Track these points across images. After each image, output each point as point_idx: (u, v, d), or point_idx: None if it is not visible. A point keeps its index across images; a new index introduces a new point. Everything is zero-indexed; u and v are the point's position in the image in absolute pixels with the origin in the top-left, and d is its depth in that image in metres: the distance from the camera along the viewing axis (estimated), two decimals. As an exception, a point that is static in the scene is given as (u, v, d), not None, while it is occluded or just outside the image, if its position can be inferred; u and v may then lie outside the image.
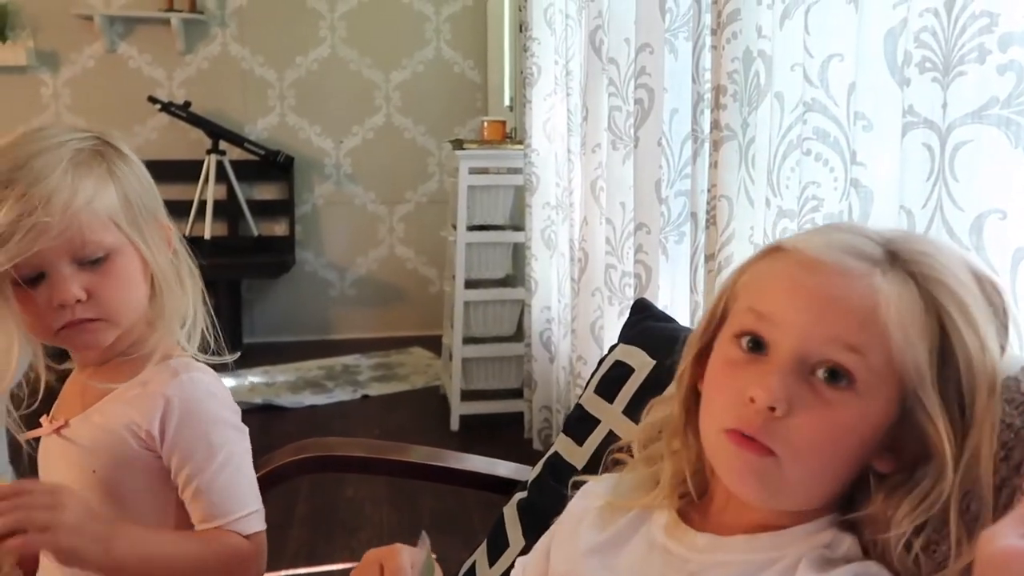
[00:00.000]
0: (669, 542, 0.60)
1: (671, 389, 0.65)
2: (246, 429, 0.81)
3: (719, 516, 0.60)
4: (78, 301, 0.72)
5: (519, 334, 2.92)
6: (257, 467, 0.92)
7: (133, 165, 0.78)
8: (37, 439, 0.81)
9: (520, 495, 0.95)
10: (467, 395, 2.87)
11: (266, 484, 0.95)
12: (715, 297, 0.63)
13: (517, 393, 2.92)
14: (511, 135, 2.97)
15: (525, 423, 2.67)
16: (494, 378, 2.91)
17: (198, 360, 0.81)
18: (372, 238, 4.18)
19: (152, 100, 3.71)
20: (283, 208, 3.98)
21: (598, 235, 1.83)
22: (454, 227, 2.90)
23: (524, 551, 0.85)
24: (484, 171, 2.77)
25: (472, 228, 2.78)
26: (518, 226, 2.86)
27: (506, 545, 0.90)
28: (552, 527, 0.68)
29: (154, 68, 3.88)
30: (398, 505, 2.28)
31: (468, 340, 2.83)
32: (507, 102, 3.56)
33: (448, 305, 3.18)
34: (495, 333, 2.88)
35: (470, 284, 2.80)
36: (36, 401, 0.80)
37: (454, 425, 2.84)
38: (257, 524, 0.78)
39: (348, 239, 4.15)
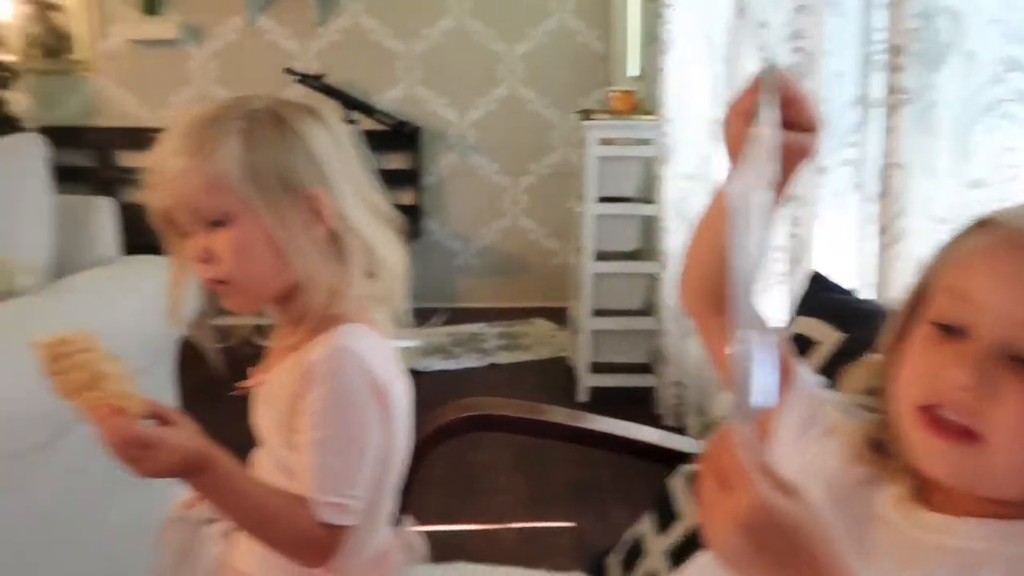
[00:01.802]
0: (896, 516, 0.57)
1: (866, 358, 0.62)
2: (388, 413, 0.78)
3: (948, 494, 0.56)
4: (204, 260, 0.75)
5: (648, 307, 2.87)
6: (421, 423, 0.94)
7: (287, 135, 0.76)
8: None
9: (689, 467, 0.93)
10: (595, 367, 2.85)
11: (432, 439, 0.97)
12: (920, 273, 0.59)
13: (645, 367, 2.89)
14: (640, 105, 2.90)
15: (655, 398, 2.63)
16: (622, 351, 2.88)
17: (374, 328, 0.80)
18: (496, 209, 4.20)
19: (288, 72, 3.84)
20: (410, 178, 4.05)
21: (745, 206, 1.75)
22: (581, 199, 2.88)
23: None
24: (613, 142, 2.72)
25: (601, 200, 2.75)
26: (647, 198, 2.81)
27: (675, 517, 0.88)
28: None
29: (291, 41, 4.01)
30: (528, 472, 2.30)
31: (597, 312, 2.81)
32: (633, 72, 3.48)
33: (574, 277, 3.17)
34: (624, 306, 2.85)
35: (599, 256, 2.78)
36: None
37: (582, 396, 2.84)
38: (335, 517, 0.75)
39: (473, 209, 4.19)
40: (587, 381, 2.83)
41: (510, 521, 2.07)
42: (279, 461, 0.79)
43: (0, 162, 1.52)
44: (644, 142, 2.63)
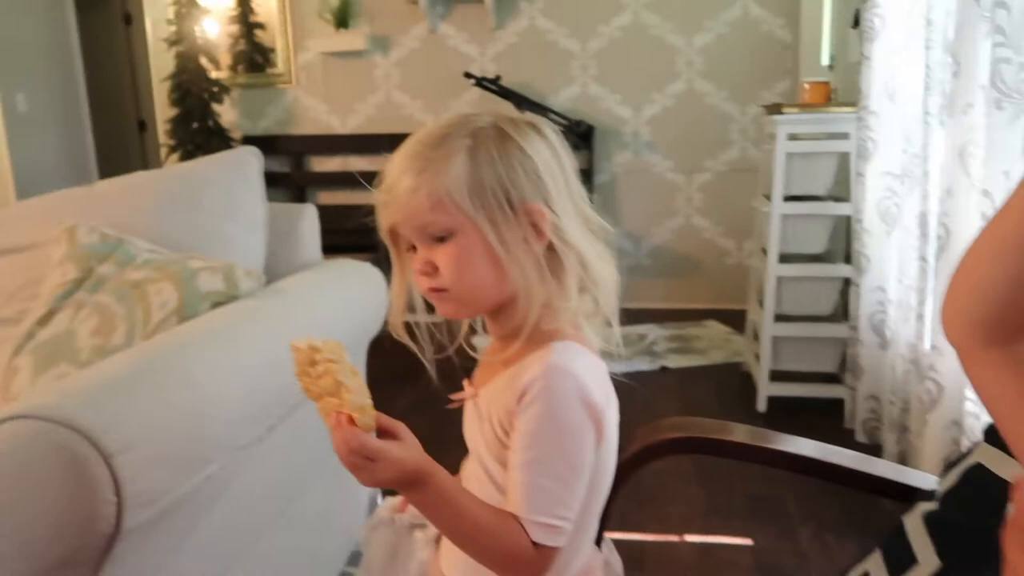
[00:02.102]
0: None
1: None
2: (601, 433, 0.77)
3: None
4: (426, 273, 0.77)
5: (837, 314, 2.70)
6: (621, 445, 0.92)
7: (511, 151, 0.76)
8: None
9: (927, 506, 0.84)
10: (775, 375, 2.72)
11: (635, 461, 0.94)
12: None
13: (831, 378, 2.72)
14: (833, 97, 2.72)
15: (846, 412, 2.47)
16: (806, 360, 2.72)
17: (585, 346, 0.79)
18: (669, 207, 4.11)
19: (467, 75, 3.95)
20: (583, 177, 4.02)
21: (967, 209, 1.59)
22: (766, 197, 2.74)
23: (940, 573, 0.75)
24: (801, 137, 2.57)
25: (787, 199, 2.60)
26: (840, 197, 2.63)
27: (912, 561, 0.80)
28: None
29: (469, 45, 4.12)
30: (705, 483, 2.23)
31: (779, 318, 2.67)
32: (826, 61, 3.27)
33: (754, 279, 3.03)
34: (809, 312, 2.69)
35: (783, 258, 2.63)
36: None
37: (761, 406, 2.71)
38: (546, 538, 0.73)
39: (645, 208, 4.12)
40: (767, 390, 2.70)
41: (686, 533, 2.01)
42: (490, 474, 0.80)
43: (225, 174, 1.66)
44: (839, 136, 2.46)
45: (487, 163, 0.76)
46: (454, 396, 0.87)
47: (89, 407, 0.92)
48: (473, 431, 0.83)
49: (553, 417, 0.74)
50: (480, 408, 0.82)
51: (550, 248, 0.77)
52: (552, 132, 0.81)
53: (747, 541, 1.94)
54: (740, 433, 0.91)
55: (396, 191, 0.76)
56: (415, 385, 3.00)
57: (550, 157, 0.78)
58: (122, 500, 0.89)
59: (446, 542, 0.84)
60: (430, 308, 0.84)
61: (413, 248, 0.80)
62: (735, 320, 3.64)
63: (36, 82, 4.65)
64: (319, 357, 0.69)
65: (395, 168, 0.77)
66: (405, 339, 0.84)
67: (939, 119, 1.75)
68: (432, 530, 0.86)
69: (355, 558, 1.78)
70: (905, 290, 1.94)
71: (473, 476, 0.83)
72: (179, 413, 1.03)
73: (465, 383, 0.87)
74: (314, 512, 1.58)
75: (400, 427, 0.73)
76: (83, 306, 1.38)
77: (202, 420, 1.07)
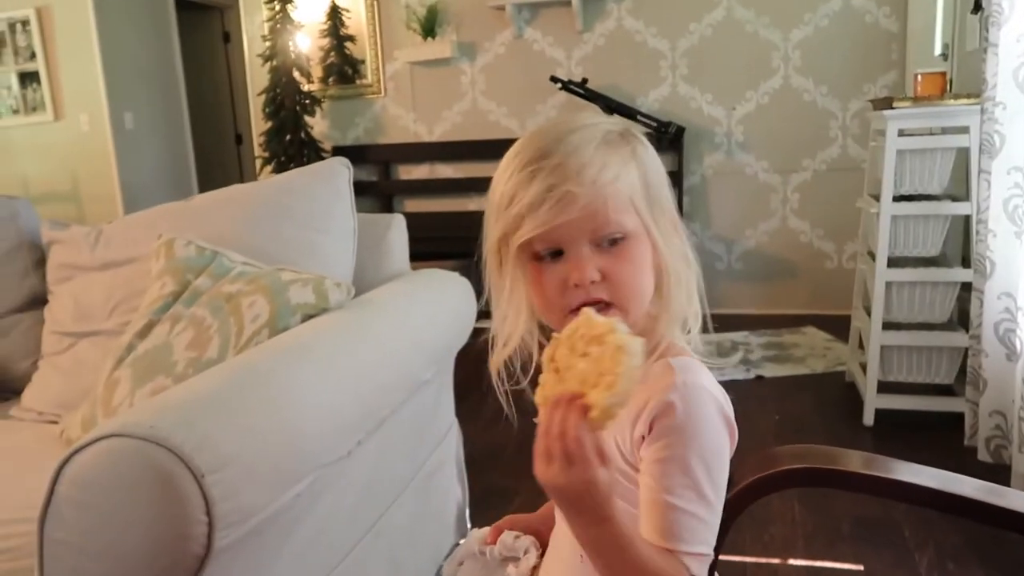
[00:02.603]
0: None
1: None
2: (731, 451, 0.72)
3: None
4: (592, 282, 0.69)
5: (954, 322, 2.51)
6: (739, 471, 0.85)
7: (652, 154, 0.75)
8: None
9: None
10: (883, 387, 2.55)
11: (746, 495, 0.87)
12: None
13: (946, 390, 2.53)
14: (949, 89, 2.53)
15: (966, 427, 2.28)
16: (918, 371, 2.54)
17: (695, 359, 0.74)
18: (763, 209, 3.95)
19: (553, 80, 3.90)
20: (672, 179, 3.92)
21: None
22: (874, 197, 2.58)
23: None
24: (914, 133, 2.40)
25: (897, 199, 2.43)
26: (956, 196, 2.44)
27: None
28: None
29: (555, 49, 4.08)
30: (808, 502, 2.10)
31: (888, 325, 2.50)
32: (939, 50, 3.06)
33: (859, 284, 2.86)
34: (921, 319, 2.51)
35: (892, 262, 2.47)
36: (526, 379, 0.81)
37: (867, 419, 2.55)
38: (701, 569, 0.68)
39: (737, 210, 3.98)
40: (874, 403, 2.54)
41: (789, 556, 1.89)
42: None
43: (315, 185, 1.66)
44: (957, 131, 2.29)
45: (647, 166, 0.73)
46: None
47: (182, 425, 0.91)
48: None
49: (699, 438, 0.68)
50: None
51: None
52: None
53: (857, 567, 1.81)
54: (864, 463, 0.81)
55: (568, 194, 0.68)
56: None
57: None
58: (213, 520, 0.88)
59: (546, 571, 0.79)
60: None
61: (537, 258, 0.72)
62: (836, 327, 3.46)
63: (142, 101, 4.88)
64: (610, 339, 0.62)
65: (578, 157, 0.69)
66: (498, 382, 0.78)
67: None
68: (525, 564, 0.81)
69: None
70: (1039, 297, 1.77)
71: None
72: (270, 430, 1.02)
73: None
74: (402, 526, 1.56)
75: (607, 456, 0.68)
76: (179, 319, 1.40)
77: (293, 436, 1.06)
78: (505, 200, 0.71)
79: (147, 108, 4.88)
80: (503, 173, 0.73)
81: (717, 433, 0.69)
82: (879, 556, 1.84)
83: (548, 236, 0.69)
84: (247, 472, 0.94)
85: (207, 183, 4.96)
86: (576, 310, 0.69)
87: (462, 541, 0.88)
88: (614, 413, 0.61)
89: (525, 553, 0.82)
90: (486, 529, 0.87)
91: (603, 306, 0.70)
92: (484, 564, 0.84)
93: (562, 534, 0.76)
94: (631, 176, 0.71)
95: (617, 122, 0.74)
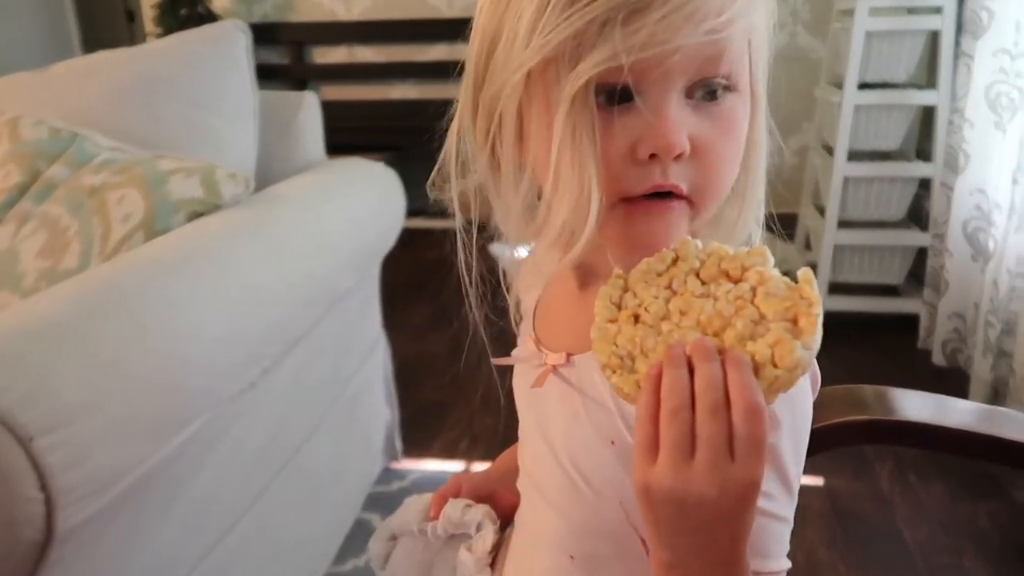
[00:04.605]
0: None
1: None
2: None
3: None
4: (677, 157, 0.44)
5: (912, 220, 2.39)
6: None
7: None
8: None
9: None
10: (832, 288, 2.44)
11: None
12: None
13: (894, 291, 2.44)
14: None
15: (921, 330, 2.20)
16: (869, 270, 2.44)
17: None
18: (708, 101, 3.74)
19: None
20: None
21: None
22: (835, 86, 2.39)
23: None
24: (884, 13, 2.19)
25: (860, 87, 2.25)
26: (919, 84, 2.27)
27: None
28: None
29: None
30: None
31: (841, 224, 2.37)
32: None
33: (810, 180, 2.71)
34: (876, 217, 2.38)
35: (850, 156, 2.30)
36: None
37: (817, 322, 2.44)
38: None
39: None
40: (824, 304, 2.42)
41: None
42: (588, 480, 0.50)
43: (204, 54, 1.34)
44: (931, 11, 2.09)
45: (771, 15, 0.49)
46: (505, 361, 0.58)
47: (2, 368, 0.65)
48: (555, 414, 0.53)
49: (790, 408, 0.46)
50: (580, 381, 0.51)
51: None
52: None
53: (817, 481, 1.71)
54: (936, 412, 0.63)
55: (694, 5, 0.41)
56: (435, 298, 2.76)
57: None
58: (52, 495, 0.64)
59: (514, 566, 0.58)
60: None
61: (601, 99, 0.44)
62: (784, 224, 3.34)
63: (8, -35, 4.24)
64: (749, 263, 0.41)
65: None
66: (480, 315, 0.54)
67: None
68: (481, 546, 0.58)
69: (372, 502, 1.56)
70: (1022, 194, 1.63)
71: (549, 481, 0.53)
72: (138, 366, 0.77)
73: (529, 341, 0.56)
74: (324, 457, 1.35)
75: None
76: (28, 218, 1.10)
77: (174, 371, 0.81)
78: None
79: (16, -25, 4.25)
80: None
81: (804, 394, 0.48)
82: (839, 469, 1.75)
83: (636, 65, 0.42)
84: (104, 426, 0.70)
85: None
86: (639, 200, 0.45)
87: (400, 515, 0.65)
88: (803, 371, 0.39)
89: (478, 529, 0.60)
90: (426, 497, 0.64)
91: (682, 202, 0.45)
92: (425, 545, 0.62)
93: (536, 520, 0.55)
94: (759, 10, 0.46)
95: None
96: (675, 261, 0.43)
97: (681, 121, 0.43)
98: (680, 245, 0.43)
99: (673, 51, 0.41)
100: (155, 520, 0.86)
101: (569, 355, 0.52)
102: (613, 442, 0.49)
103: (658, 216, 0.45)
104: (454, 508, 0.61)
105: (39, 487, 0.62)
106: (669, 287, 0.42)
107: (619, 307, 0.43)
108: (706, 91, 0.44)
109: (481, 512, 0.60)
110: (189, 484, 0.92)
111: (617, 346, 0.42)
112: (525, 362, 0.56)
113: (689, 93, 0.44)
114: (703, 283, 0.42)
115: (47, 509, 0.64)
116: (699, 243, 0.43)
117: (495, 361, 0.58)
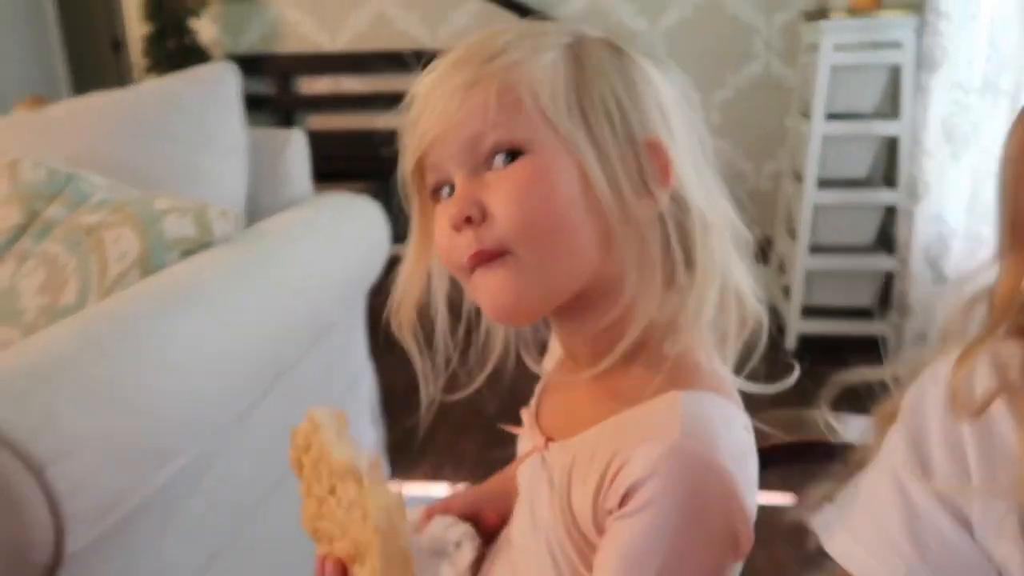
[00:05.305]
0: None
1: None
2: (741, 551, 0.47)
3: None
4: (468, 220, 0.49)
5: (880, 244, 2.48)
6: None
7: (628, 66, 0.52)
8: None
9: None
10: (805, 311, 2.52)
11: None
12: None
13: (866, 313, 2.52)
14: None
15: (889, 351, 2.27)
16: (841, 294, 2.52)
17: (723, 386, 0.51)
18: (685, 128, 3.84)
19: (466, -15, 3.61)
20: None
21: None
22: (804, 116, 2.48)
23: None
24: (848, 48, 2.29)
25: (828, 117, 2.34)
26: (885, 115, 2.37)
27: None
28: None
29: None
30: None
31: (813, 249, 2.45)
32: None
33: (783, 206, 2.80)
34: (847, 241, 2.47)
35: (819, 184, 2.39)
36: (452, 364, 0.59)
37: (790, 344, 2.52)
38: None
39: (660, 130, 3.85)
40: (797, 327, 2.51)
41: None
42: (556, 561, 0.52)
43: (195, 95, 1.41)
44: (892, 45, 2.19)
45: (598, 71, 0.50)
46: (513, 429, 0.61)
47: (12, 403, 0.71)
48: (537, 491, 0.55)
49: (675, 538, 0.44)
50: (551, 467, 0.53)
51: (676, 214, 0.51)
52: (674, 74, 0.55)
53: (787, 499, 1.77)
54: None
55: (441, 91, 0.49)
56: (428, 344, 2.79)
57: (677, 95, 0.53)
58: (61, 521, 0.69)
59: None
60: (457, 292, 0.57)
61: (437, 194, 0.53)
62: (759, 250, 3.43)
63: (-4, -3, 4.29)
64: (350, 490, 0.48)
65: (440, 68, 0.51)
66: (409, 342, 0.57)
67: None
68: (461, 562, 0.63)
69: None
70: (977, 220, 1.72)
71: (531, 552, 0.55)
72: (138, 398, 0.82)
73: (525, 416, 0.59)
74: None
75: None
76: (27, 257, 1.16)
77: (169, 403, 0.86)
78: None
79: (4, 5, 4.30)
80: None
81: (706, 532, 0.45)
82: (808, 485, 1.81)
83: (433, 168, 0.51)
84: (106, 454, 0.75)
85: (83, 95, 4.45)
86: (470, 269, 0.50)
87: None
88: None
89: (457, 546, 0.65)
90: (416, 512, 0.70)
91: (502, 259, 0.49)
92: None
93: (522, 534, 0.58)
94: (542, 67, 0.49)
95: (598, 34, 0.53)
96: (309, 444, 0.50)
97: (468, 194, 0.49)
98: (307, 427, 0.50)
99: (439, 142, 0.50)
100: (152, 542, 0.91)
101: (548, 440, 0.55)
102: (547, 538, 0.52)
103: (487, 277, 0.50)
104: (437, 525, 0.65)
105: (49, 512, 0.68)
106: (315, 469, 0.50)
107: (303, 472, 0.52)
108: (498, 158, 0.49)
109: (461, 531, 0.65)
110: (184, 508, 0.96)
111: (306, 520, 0.52)
112: (524, 433, 0.60)
113: (488, 165, 0.49)
114: (328, 478, 0.49)
115: (55, 534, 0.69)
116: (324, 435, 0.49)
117: (503, 426, 0.62)
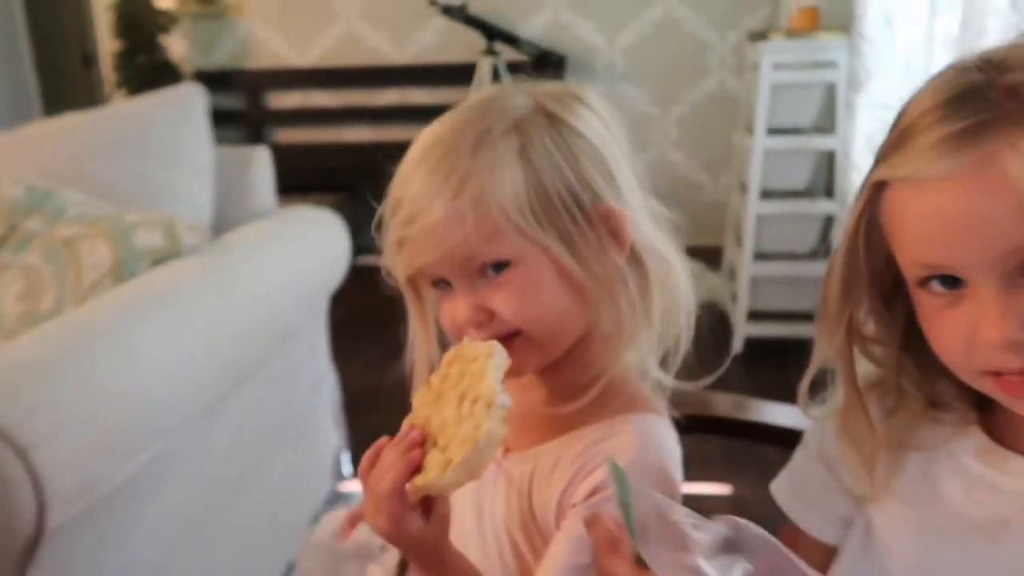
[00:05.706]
0: (988, 472, 0.52)
1: None
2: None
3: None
4: (478, 323, 0.59)
5: (819, 251, 2.62)
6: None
7: (567, 138, 0.60)
8: None
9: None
10: (752, 315, 2.65)
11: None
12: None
13: (811, 317, 2.66)
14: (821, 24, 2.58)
15: (827, 352, 2.41)
16: (786, 299, 2.66)
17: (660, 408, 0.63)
18: (643, 141, 3.97)
19: (432, 3, 3.73)
20: (554, 111, 3.89)
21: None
22: (748, 131, 2.62)
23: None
24: (788, 67, 2.44)
25: (770, 132, 2.49)
26: (823, 129, 2.52)
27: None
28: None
29: (433, -29, 3.88)
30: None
31: (758, 256, 2.59)
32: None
33: (732, 216, 2.94)
34: (790, 249, 2.61)
35: (762, 195, 2.54)
36: None
37: (737, 347, 2.65)
38: None
39: (619, 143, 3.99)
40: (744, 330, 2.64)
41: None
42: (503, 557, 0.63)
43: (165, 115, 1.50)
44: (828, 65, 2.34)
45: (547, 163, 0.58)
46: None
47: (0, 394, 0.80)
48: (492, 495, 0.64)
49: None
50: (510, 473, 0.63)
51: (635, 259, 0.61)
52: (596, 98, 0.64)
53: (726, 490, 1.89)
54: (734, 406, 0.82)
55: (427, 223, 0.57)
56: (387, 332, 2.89)
57: (605, 132, 0.62)
58: (44, 499, 0.78)
59: None
60: None
61: (434, 284, 0.62)
62: (712, 257, 3.56)
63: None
64: (483, 387, 0.52)
65: (416, 190, 0.58)
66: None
67: (944, 46, 1.63)
68: (391, 559, 0.67)
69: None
70: (896, 229, 1.85)
71: (473, 540, 0.65)
72: (112, 392, 0.92)
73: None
74: (276, 477, 1.49)
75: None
76: (7, 268, 1.24)
77: (139, 398, 0.96)
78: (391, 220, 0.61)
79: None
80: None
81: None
82: (742, 477, 1.93)
83: (433, 270, 0.60)
84: (85, 442, 0.85)
85: (54, 110, 4.49)
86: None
87: (322, 519, 0.73)
88: (439, 492, 0.53)
89: (383, 548, 0.68)
90: (342, 513, 0.72)
91: (516, 339, 0.59)
92: (333, 556, 0.71)
93: (463, 525, 0.66)
94: (504, 185, 0.57)
95: (523, 105, 0.60)
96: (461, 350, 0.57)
97: (472, 303, 0.58)
98: (472, 345, 0.57)
99: (433, 262, 0.58)
100: (126, 527, 1.00)
101: (506, 451, 0.64)
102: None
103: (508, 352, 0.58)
104: (362, 531, 0.68)
105: (34, 491, 0.77)
106: (459, 368, 0.56)
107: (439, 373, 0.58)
108: (489, 268, 0.58)
109: None
110: (154, 499, 1.06)
111: (414, 399, 0.58)
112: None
113: (482, 274, 0.58)
114: (460, 374, 0.55)
115: (38, 511, 0.78)
116: (496, 354, 0.55)
117: None
